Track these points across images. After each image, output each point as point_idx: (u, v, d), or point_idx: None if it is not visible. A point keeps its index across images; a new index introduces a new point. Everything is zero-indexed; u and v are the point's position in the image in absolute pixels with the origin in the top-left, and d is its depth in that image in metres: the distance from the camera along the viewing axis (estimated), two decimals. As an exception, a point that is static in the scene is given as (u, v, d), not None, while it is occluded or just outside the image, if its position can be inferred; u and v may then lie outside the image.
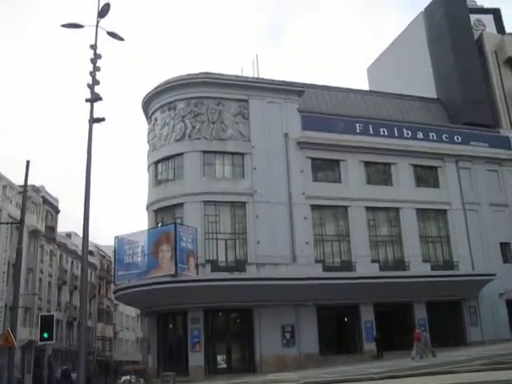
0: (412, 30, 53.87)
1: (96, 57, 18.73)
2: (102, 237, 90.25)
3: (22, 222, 21.31)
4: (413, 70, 51.50)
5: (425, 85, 48.83)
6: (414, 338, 30.15)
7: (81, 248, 54.63)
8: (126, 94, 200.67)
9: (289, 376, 17.29)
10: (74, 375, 40.22)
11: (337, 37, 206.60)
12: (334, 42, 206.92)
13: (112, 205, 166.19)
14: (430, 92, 48.41)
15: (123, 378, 71.20)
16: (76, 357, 45.80)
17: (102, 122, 18.68)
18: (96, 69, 18.91)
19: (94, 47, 18.72)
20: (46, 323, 19.67)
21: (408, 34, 54.51)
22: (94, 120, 18.42)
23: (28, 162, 21.58)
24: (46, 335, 19.56)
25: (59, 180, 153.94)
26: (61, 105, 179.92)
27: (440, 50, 48.33)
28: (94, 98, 18.32)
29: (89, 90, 18.85)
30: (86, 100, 18.49)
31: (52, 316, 20.41)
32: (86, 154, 18.62)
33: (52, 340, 19.80)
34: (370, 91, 46.99)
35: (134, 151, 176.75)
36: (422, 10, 51.83)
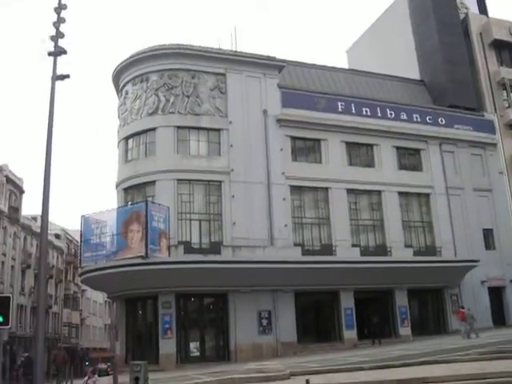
0: (394, 10, 52.29)
1: (60, 5, 16.52)
2: (71, 221, 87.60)
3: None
4: (395, 52, 50.00)
5: (407, 66, 47.34)
6: (459, 318, 30.27)
7: (49, 231, 52.05)
8: (96, 68, 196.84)
9: (273, 365, 15.55)
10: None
11: (316, 17, 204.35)
12: (313, 22, 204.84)
13: (82, 186, 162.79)
14: (413, 74, 46.88)
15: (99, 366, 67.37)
16: (45, 344, 43.89)
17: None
18: (60, 20, 16.73)
19: (57, -5, 16.52)
20: (1, 305, 17.42)
21: (390, 15, 52.96)
22: (57, 77, 16.27)
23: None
24: (0, 319, 17.36)
25: (26, 161, 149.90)
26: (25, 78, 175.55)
27: (424, 31, 46.77)
28: (58, 52, 16.18)
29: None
30: (49, 54, 16.35)
31: (8, 298, 18.05)
32: (47, 118, 16.50)
33: (8, 324, 17.50)
34: (352, 70, 45.10)
35: (103, 127, 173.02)
36: (406, -12, 50.18)
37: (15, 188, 58.46)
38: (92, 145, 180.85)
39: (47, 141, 16.41)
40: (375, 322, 34.24)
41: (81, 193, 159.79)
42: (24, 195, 61.16)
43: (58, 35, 16.40)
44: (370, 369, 17.04)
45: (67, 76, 16.34)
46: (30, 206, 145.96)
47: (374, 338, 33.45)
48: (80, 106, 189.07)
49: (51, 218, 58.42)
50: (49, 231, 61.80)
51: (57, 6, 16.43)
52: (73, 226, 77.41)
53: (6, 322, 17.06)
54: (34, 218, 68.18)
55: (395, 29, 51.23)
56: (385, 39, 52.14)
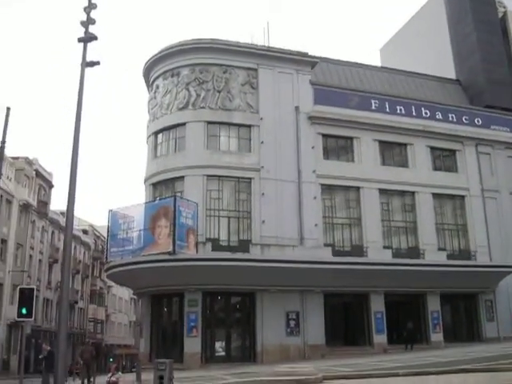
0: (430, 8, 51.38)
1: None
2: (99, 217, 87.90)
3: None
4: (430, 51, 49.03)
5: (443, 66, 46.29)
6: None
7: (77, 227, 51.89)
8: (125, 62, 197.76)
9: (304, 368, 14.83)
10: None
11: (349, 15, 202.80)
12: (346, 20, 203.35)
13: (111, 181, 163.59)
14: (449, 73, 45.76)
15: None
16: (69, 339, 44.05)
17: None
18: (91, 5, 16.21)
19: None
20: (25, 297, 17.02)
21: (425, 13, 52.02)
22: (86, 63, 15.75)
23: (8, 109, 18.87)
24: (24, 311, 16.95)
25: (56, 155, 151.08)
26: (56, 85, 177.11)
27: (461, 29, 45.74)
28: (88, 38, 15.65)
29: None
30: (79, 39, 15.83)
31: (32, 289, 17.70)
32: (76, 107, 15.97)
33: (31, 317, 17.17)
34: (386, 68, 44.05)
35: (133, 124, 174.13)
36: (443, -14, 49.06)
37: (44, 182, 58.61)
38: (121, 139, 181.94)
39: (75, 131, 15.91)
40: (410, 326, 33.13)
41: (109, 188, 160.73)
42: (53, 190, 61.35)
43: (89, 21, 15.88)
44: (405, 375, 16.20)
45: (97, 63, 15.83)
46: (59, 201, 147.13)
47: (407, 344, 32.42)
48: (109, 98, 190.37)
49: (79, 213, 58.40)
50: (76, 227, 62.19)
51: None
52: (100, 222, 77.79)
53: (29, 314, 16.67)
54: (63, 213, 68.32)
55: (430, 27, 50.22)
56: (419, 38, 51.13)
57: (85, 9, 15.99)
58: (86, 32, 15.95)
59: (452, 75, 45.80)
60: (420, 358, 24.60)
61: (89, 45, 16.10)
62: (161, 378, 13.56)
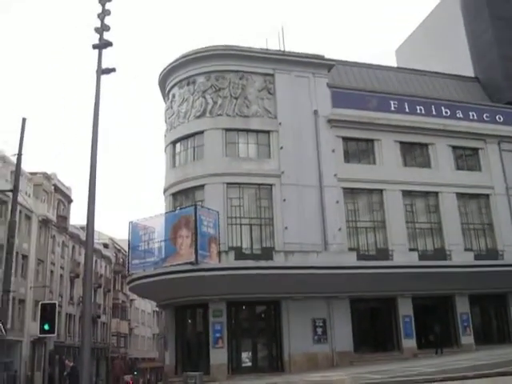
0: (444, 7, 50.95)
1: (105, -3, 15.66)
2: (119, 230, 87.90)
3: (15, 189, 18.14)
4: (446, 50, 48.49)
5: (460, 64, 45.71)
6: None
7: (97, 241, 51.64)
8: (141, 70, 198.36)
9: (337, 376, 14.24)
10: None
11: (363, 17, 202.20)
12: (360, 22, 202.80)
13: (130, 193, 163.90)
14: (467, 71, 45.07)
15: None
16: (93, 353, 43.47)
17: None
18: (105, 12, 15.88)
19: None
20: (47, 313, 16.61)
21: (440, 12, 51.60)
22: (102, 71, 15.41)
23: (24, 120, 18.58)
24: (46, 327, 16.53)
25: (74, 169, 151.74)
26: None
27: (477, 26, 45.11)
28: (103, 44, 15.32)
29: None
30: (94, 46, 15.50)
31: (54, 304, 17.30)
32: (92, 115, 15.63)
33: (53, 333, 16.77)
34: (402, 68, 43.49)
35: (150, 133, 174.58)
36: (456, -17, 48.48)
37: (63, 197, 58.60)
38: (139, 149, 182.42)
39: (92, 141, 15.57)
40: (438, 330, 32.40)
41: (129, 200, 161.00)
42: (72, 204, 61.31)
43: (103, 27, 15.56)
44: (443, 380, 15.53)
45: (113, 70, 15.50)
46: (79, 215, 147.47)
47: (437, 348, 31.65)
48: (125, 107, 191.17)
49: (99, 227, 57.90)
50: (97, 241, 62.05)
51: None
52: (121, 235, 77.71)
53: (51, 329, 16.28)
54: (83, 228, 68.27)
55: (446, 26, 49.71)
56: (435, 37, 50.62)
57: (98, 15, 15.67)
58: (101, 38, 15.62)
59: (470, 73, 45.08)
60: (452, 361, 23.88)
61: (104, 52, 15.77)
62: (191, 391, 13.04)
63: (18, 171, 18.55)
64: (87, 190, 15.85)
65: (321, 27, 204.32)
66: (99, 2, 15.66)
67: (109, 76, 15.66)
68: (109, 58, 16.03)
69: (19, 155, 17.89)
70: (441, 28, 50.36)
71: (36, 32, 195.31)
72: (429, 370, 20.43)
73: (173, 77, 34.98)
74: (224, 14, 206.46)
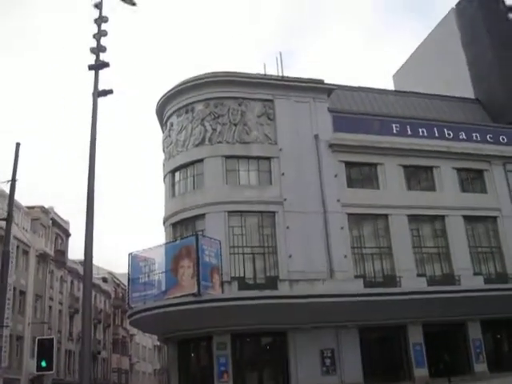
0: (442, 29, 50.48)
1: (101, 17, 15.08)
2: (118, 265, 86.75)
3: (9, 217, 17.27)
4: (445, 72, 47.96)
5: (459, 86, 45.17)
6: None
7: (96, 275, 50.54)
8: (139, 97, 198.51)
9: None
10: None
11: (357, 45, 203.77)
12: (355, 50, 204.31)
13: (129, 225, 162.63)
14: (466, 93, 44.64)
15: None
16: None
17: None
18: (102, 33, 15.27)
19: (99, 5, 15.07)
20: (45, 349, 15.61)
21: (437, 35, 51.18)
22: (99, 93, 14.72)
23: (18, 145, 17.84)
24: (43, 364, 15.54)
25: (71, 203, 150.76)
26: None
27: (477, 47, 44.76)
28: (100, 65, 14.66)
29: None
30: (90, 67, 14.85)
31: (51, 340, 16.33)
32: (89, 139, 14.91)
33: (51, 370, 15.76)
34: (403, 91, 42.95)
35: (147, 161, 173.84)
36: (453, 6, 48.34)
37: (61, 231, 57.75)
38: (136, 178, 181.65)
39: (90, 166, 14.83)
40: (446, 358, 31.32)
41: (128, 232, 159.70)
42: (70, 238, 60.38)
43: (100, 48, 14.93)
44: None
45: (110, 91, 14.81)
46: (77, 250, 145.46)
47: (448, 376, 30.52)
48: (121, 133, 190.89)
49: (98, 262, 56.85)
50: (96, 275, 60.93)
51: (97, 17, 14.98)
52: (120, 269, 76.61)
53: (49, 366, 15.30)
54: (81, 262, 67.14)
55: (444, 48, 49.34)
56: (433, 60, 50.21)
57: (94, 35, 15.06)
58: (97, 60, 14.98)
59: (470, 95, 44.65)
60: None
61: (100, 75, 15.11)
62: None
63: (11, 198, 17.77)
64: (85, 221, 15.12)
65: (317, 54, 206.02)
66: (95, 22, 15.08)
67: (106, 99, 14.97)
68: (105, 82, 15.42)
69: (13, 181, 17.15)
70: (438, 51, 49.96)
71: (31, 51, 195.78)
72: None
73: (171, 105, 34.42)
74: (221, 41, 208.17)
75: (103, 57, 15.06)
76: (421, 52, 53.46)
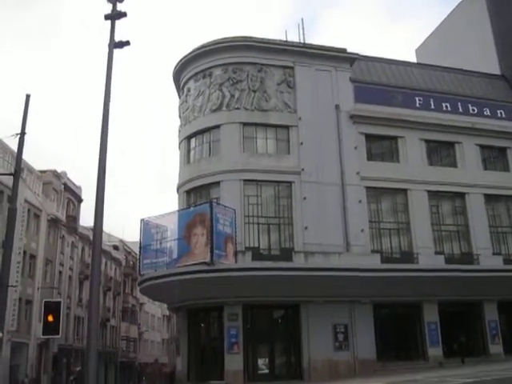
0: (468, 3, 48.88)
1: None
2: (129, 233, 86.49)
3: (16, 172, 16.49)
4: (470, 47, 46.50)
5: (485, 62, 43.75)
6: None
7: (107, 243, 50.11)
8: (149, 70, 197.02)
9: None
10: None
11: (378, 18, 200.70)
12: (378, 22, 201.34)
13: (142, 193, 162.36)
14: (492, 70, 43.22)
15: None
16: (101, 359, 41.76)
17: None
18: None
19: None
20: (51, 311, 15.00)
21: (464, 8, 49.68)
22: (115, 44, 13.89)
23: (28, 96, 17.03)
24: (50, 327, 14.92)
25: (86, 171, 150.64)
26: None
27: (505, 21, 43.22)
28: (116, 14, 13.82)
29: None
30: (106, 17, 13.99)
31: (59, 303, 15.66)
32: (104, 87, 14.10)
33: (58, 334, 15.15)
34: (427, 65, 41.51)
35: (163, 131, 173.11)
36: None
37: (73, 196, 57.21)
38: (150, 146, 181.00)
39: (103, 125, 14.04)
40: (462, 339, 30.65)
41: (140, 200, 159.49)
42: (82, 204, 59.89)
43: (117, -3, 14.03)
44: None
45: (127, 43, 13.99)
46: (89, 216, 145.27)
47: (463, 356, 29.86)
48: (135, 104, 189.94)
49: (109, 229, 56.50)
50: (107, 242, 60.53)
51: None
52: (131, 237, 76.27)
53: (55, 330, 14.67)
54: (93, 229, 66.82)
55: (470, 23, 47.89)
56: (458, 35, 48.75)
57: (111, -16, 14.16)
58: (114, 9, 14.12)
59: (496, 71, 43.27)
60: (486, 372, 22.22)
61: (118, 32, 14.23)
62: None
63: (20, 152, 16.96)
64: (96, 186, 14.46)
65: (339, 26, 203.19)
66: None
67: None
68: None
69: (22, 134, 16.34)
70: (464, 25, 48.50)
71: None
72: (463, 381, 18.79)
73: (188, 69, 33.51)
74: (242, 7, 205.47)
75: (120, 7, 14.20)
76: (446, 26, 51.98)
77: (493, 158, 36.14)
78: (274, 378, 27.48)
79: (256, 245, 28.77)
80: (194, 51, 32.87)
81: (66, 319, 49.77)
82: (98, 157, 14.18)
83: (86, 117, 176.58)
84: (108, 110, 13.55)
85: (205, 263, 25.80)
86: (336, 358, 27.97)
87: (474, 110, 35.79)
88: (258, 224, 29.26)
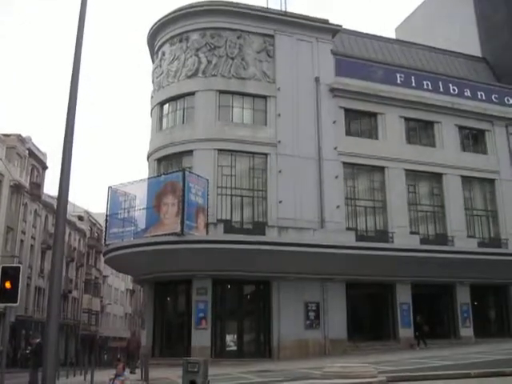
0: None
1: None
2: (95, 204, 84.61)
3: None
4: (451, 29, 45.89)
5: (466, 44, 43.17)
6: None
7: (72, 213, 48.24)
8: (128, 29, 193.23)
9: (360, 368, 11.76)
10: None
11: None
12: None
13: (110, 161, 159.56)
14: (473, 51, 42.62)
15: None
16: (62, 331, 40.89)
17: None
18: None
19: None
20: (8, 277, 13.76)
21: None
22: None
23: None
24: (7, 294, 13.71)
25: (50, 137, 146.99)
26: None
27: (488, 6, 42.64)
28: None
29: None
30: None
31: (18, 268, 14.38)
32: (74, 43, 12.71)
33: (15, 302, 13.93)
34: (409, 42, 40.62)
35: (134, 97, 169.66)
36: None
37: (38, 162, 55.28)
38: (120, 112, 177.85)
39: (71, 89, 12.49)
40: (418, 320, 29.85)
41: (108, 168, 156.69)
42: (47, 172, 57.97)
43: None
44: (478, 376, 13.13)
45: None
46: (53, 184, 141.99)
47: (419, 340, 29.20)
48: (107, 68, 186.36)
49: (74, 199, 54.69)
50: (72, 213, 58.72)
51: None
52: (97, 209, 74.55)
53: (13, 298, 13.45)
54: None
55: (450, 6, 47.19)
56: (440, 15, 48.03)
57: None
58: None
59: (477, 53, 42.67)
60: (461, 354, 21.74)
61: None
62: (192, 383, 10.14)
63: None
64: (62, 151, 13.09)
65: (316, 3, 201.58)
66: None
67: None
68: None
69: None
70: (444, 7, 47.82)
71: None
72: (442, 364, 18.17)
73: (164, 33, 32.06)
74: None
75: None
76: (426, 7, 51.18)
77: (471, 139, 35.63)
78: (242, 355, 26.66)
79: (228, 217, 27.75)
80: (170, 14, 31.44)
81: (26, 290, 48.24)
82: (65, 121, 12.90)
83: (54, 81, 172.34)
84: (78, 69, 12.11)
85: (175, 234, 24.72)
86: (306, 336, 27.29)
87: (454, 90, 35.11)
88: (232, 196, 28.21)
